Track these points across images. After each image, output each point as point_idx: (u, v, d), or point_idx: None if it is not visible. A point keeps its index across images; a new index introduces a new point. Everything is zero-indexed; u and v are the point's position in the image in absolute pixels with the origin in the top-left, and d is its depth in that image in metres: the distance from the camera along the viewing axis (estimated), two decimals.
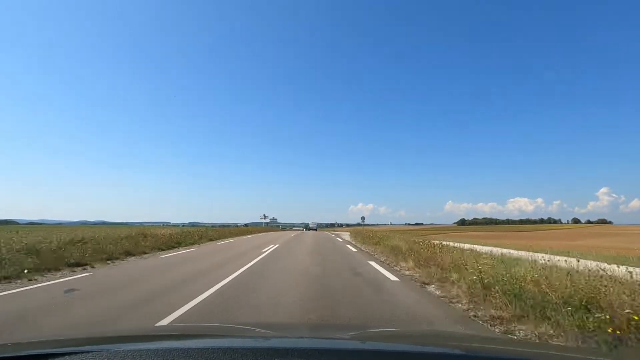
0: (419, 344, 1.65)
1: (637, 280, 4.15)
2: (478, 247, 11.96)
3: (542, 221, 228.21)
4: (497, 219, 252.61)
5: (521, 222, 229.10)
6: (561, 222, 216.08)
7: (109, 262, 10.09)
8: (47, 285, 6.73)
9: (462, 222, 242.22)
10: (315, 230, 68.03)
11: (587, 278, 4.23)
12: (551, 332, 3.72)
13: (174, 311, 4.67)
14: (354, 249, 16.05)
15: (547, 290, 4.19)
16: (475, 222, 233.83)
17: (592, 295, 3.79)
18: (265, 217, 63.05)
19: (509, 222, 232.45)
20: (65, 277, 7.54)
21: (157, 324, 4.10)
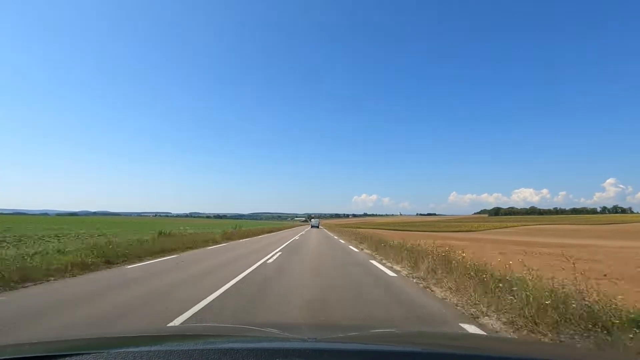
0: (420, 344, 1.61)
1: None
2: None
3: (605, 210, 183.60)
4: (539, 208, 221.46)
5: (574, 211, 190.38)
6: (632, 212, 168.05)
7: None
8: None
9: (496, 212, 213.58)
10: (317, 227, 58.98)
11: None
12: None
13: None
14: None
15: None
16: (512, 212, 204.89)
17: None
18: None
19: (556, 211, 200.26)
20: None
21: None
